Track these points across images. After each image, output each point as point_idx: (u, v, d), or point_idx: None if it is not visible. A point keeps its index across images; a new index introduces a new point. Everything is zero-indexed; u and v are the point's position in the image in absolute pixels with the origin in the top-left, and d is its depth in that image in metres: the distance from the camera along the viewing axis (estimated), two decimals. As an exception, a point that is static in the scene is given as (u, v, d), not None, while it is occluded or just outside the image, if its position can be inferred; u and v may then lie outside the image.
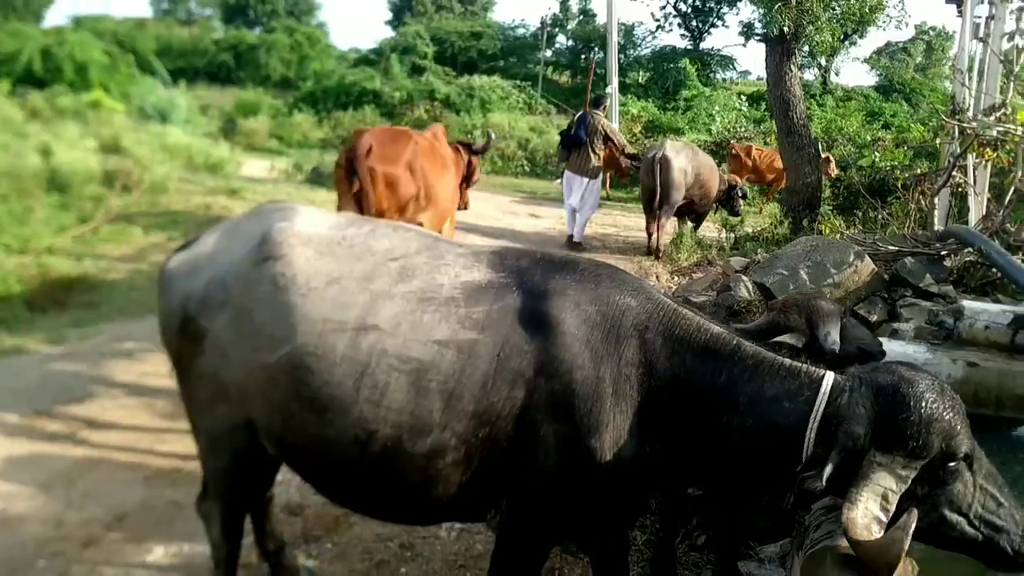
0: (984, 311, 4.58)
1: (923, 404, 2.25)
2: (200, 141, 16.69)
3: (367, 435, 2.54)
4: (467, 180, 8.29)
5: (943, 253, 6.50)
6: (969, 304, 4.68)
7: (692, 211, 12.32)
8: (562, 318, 2.52)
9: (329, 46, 38.33)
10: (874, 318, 5.31)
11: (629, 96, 26.74)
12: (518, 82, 29.95)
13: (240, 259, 2.81)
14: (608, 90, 16.69)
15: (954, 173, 7.81)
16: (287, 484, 4.36)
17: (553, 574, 3.89)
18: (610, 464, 2.48)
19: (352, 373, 2.53)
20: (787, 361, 2.54)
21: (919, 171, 8.82)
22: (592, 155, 11.72)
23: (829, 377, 2.45)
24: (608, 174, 17.59)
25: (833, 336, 3.29)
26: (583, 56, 35.91)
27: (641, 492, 2.74)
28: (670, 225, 12.18)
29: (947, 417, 2.28)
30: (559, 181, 20.08)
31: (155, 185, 12.03)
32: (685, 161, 11.51)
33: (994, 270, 5.89)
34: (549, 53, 36.46)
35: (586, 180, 11.78)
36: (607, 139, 11.91)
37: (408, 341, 2.52)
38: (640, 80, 30.73)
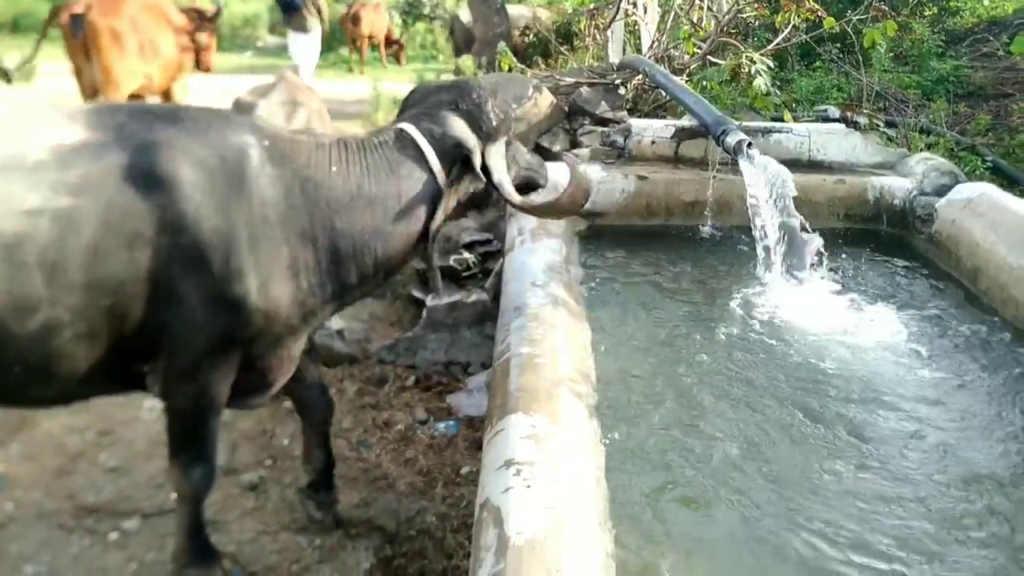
0: (649, 127, 4.83)
1: (493, 97, 2.78)
2: None
3: None
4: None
5: (618, 82, 6.79)
6: (636, 122, 4.91)
7: None
8: (175, 170, 2.31)
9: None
10: (557, 148, 5.42)
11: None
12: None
13: None
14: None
15: (627, 7, 8.09)
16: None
17: (265, 435, 3.77)
18: (264, 307, 2.42)
19: None
20: (374, 138, 2.71)
21: (593, 7, 9.07)
22: (307, 13, 12.18)
23: (411, 128, 2.68)
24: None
25: None
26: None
27: (305, 326, 2.67)
28: None
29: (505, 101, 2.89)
30: (249, 54, 18.91)
31: None
32: None
33: (663, 93, 6.23)
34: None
35: (300, 35, 12.27)
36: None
37: None
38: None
